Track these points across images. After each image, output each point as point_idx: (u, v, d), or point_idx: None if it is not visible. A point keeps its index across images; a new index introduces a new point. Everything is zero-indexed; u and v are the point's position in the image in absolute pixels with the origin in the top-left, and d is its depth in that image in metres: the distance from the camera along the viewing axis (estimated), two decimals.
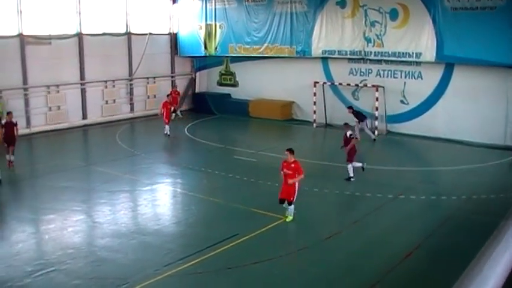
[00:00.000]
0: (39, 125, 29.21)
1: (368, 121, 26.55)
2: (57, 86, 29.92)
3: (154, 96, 33.75)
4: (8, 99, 27.69)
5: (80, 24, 30.48)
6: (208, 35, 34.26)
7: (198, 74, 37.47)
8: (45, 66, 29.11)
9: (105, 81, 32.28)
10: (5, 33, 27.50)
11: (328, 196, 17.89)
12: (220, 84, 36.70)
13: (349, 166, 19.03)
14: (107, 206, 16.91)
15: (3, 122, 21.74)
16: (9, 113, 22.10)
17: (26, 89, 28.73)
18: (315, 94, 29.86)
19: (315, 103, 30.00)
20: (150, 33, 33.80)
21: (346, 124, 20.27)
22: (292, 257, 13.11)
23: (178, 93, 33.81)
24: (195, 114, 35.07)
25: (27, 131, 28.45)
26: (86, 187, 19.53)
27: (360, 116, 26.01)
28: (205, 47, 34.56)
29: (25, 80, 28.58)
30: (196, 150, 25.32)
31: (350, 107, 26.37)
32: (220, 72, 36.60)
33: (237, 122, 31.94)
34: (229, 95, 35.62)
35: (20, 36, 28.08)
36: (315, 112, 30.03)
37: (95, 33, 31.17)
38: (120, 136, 27.97)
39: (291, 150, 14.97)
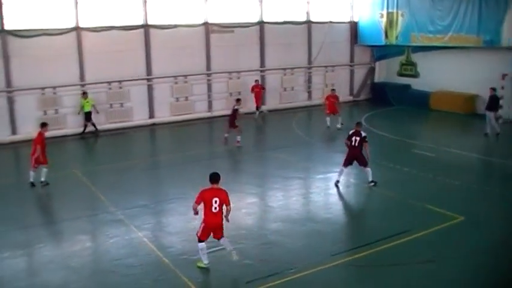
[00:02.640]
0: (219, 109, 30.67)
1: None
2: (238, 72, 31.15)
3: (332, 85, 33.61)
4: (192, 84, 29.43)
5: (262, 13, 31.35)
6: (390, 23, 33.27)
7: (377, 63, 36.73)
8: (227, 54, 30.43)
9: (284, 69, 32.90)
10: (191, 22, 29.25)
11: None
12: (400, 74, 35.55)
13: (368, 169, 17.37)
14: (280, 192, 17.22)
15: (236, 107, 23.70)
16: (238, 100, 24.37)
17: (209, 75, 30.32)
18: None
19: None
20: (331, 22, 33.73)
21: (358, 123, 18.25)
22: (462, 260, 12.13)
23: (262, 87, 31.13)
24: (372, 104, 34.47)
25: (208, 114, 30.03)
26: (262, 171, 20.06)
27: (497, 104, 24.43)
28: (386, 36, 33.63)
29: (208, 66, 30.17)
30: (372, 142, 24.67)
31: (493, 88, 24.70)
32: (400, 62, 35.44)
33: (416, 114, 30.71)
34: (409, 85, 34.33)
35: (205, 24, 29.64)
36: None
37: (276, 21, 31.85)
38: (296, 123, 28.34)
39: None
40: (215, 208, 11.36)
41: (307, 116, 31.91)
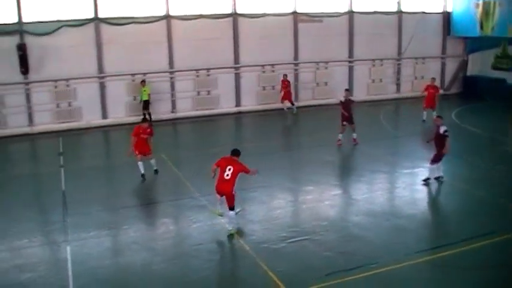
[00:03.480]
0: (306, 99, 30.63)
1: None
2: (326, 62, 30.90)
3: (422, 77, 32.57)
4: (279, 74, 29.51)
5: (351, 2, 30.94)
6: (486, 13, 31.78)
7: (470, 56, 35.26)
8: (315, 44, 30.24)
9: (373, 60, 32.32)
10: (280, 11, 29.23)
11: None
12: (494, 68, 33.94)
13: (433, 167, 16.38)
14: (364, 185, 16.96)
15: (342, 99, 21.75)
16: (347, 90, 22.85)
17: (296, 64, 30.26)
18: None
19: None
20: (423, 12, 32.71)
21: (438, 116, 17.19)
22: None
23: (289, 83, 29.20)
24: (463, 99, 33.19)
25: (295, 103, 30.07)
26: (346, 164, 19.88)
27: None
28: (481, 27, 32.16)
29: (296, 56, 30.10)
30: (462, 137, 23.86)
31: None
32: (495, 55, 33.81)
33: (510, 110, 29.32)
34: (504, 80, 32.71)
35: (294, 14, 29.58)
36: None
37: (365, 11, 31.30)
38: (384, 116, 27.80)
39: None
40: (227, 175, 12.64)
41: (395, 109, 31.22)
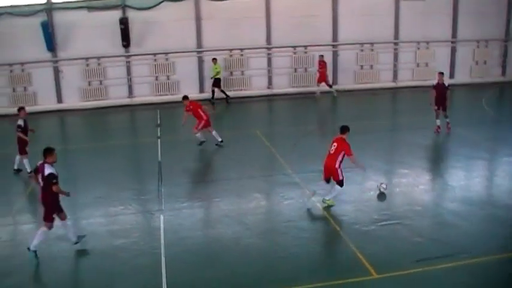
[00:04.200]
0: (405, 79, 29.84)
1: None
2: (427, 42, 29.90)
3: None
4: (378, 52, 28.85)
5: None
6: None
7: None
8: (416, 22, 29.28)
9: (477, 41, 30.86)
10: None
11: None
12: None
13: None
14: (461, 171, 16.33)
15: (434, 83, 20.59)
16: (441, 73, 20.74)
17: (396, 44, 29.48)
18: None
19: None
20: None
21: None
22: None
23: (325, 63, 27.63)
24: None
25: (393, 84, 29.34)
26: (443, 148, 19.24)
27: None
28: None
29: (396, 35, 29.31)
30: None
31: None
32: None
33: None
34: None
35: None
36: None
37: None
38: (486, 100, 26.56)
39: None
40: (332, 150, 13.23)
41: (499, 93, 29.75)
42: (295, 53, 28.60)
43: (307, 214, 13.09)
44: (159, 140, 19.87)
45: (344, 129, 13.36)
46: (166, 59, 27.21)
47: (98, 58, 26.57)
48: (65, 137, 23.88)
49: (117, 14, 25.94)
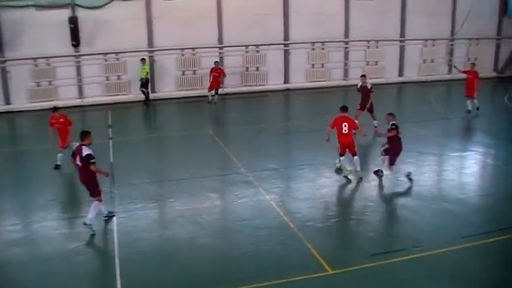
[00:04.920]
0: (355, 78, 30.12)
1: None
2: (377, 41, 30.64)
3: (475, 59, 31.64)
4: (329, 51, 29.27)
5: None
6: None
7: None
8: (366, 22, 29.97)
9: (425, 40, 31.67)
10: None
11: None
12: None
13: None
14: (412, 167, 16.49)
15: (358, 86, 20.32)
16: (363, 75, 20.69)
17: (346, 43, 29.82)
18: None
19: None
20: None
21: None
22: None
23: (221, 71, 26.86)
24: None
25: (343, 82, 29.64)
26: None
27: None
28: None
29: (346, 34, 29.63)
30: None
31: None
32: None
33: None
34: None
35: None
36: None
37: None
38: (434, 97, 27.16)
39: None
40: (345, 130, 15.00)
41: (447, 90, 30.50)
42: (247, 52, 28.62)
43: (261, 212, 13.08)
44: (110, 141, 19.56)
45: (346, 108, 15.34)
46: (117, 59, 26.83)
47: (47, 58, 25.92)
48: (13, 138, 23.24)
49: (66, 13, 25.40)
